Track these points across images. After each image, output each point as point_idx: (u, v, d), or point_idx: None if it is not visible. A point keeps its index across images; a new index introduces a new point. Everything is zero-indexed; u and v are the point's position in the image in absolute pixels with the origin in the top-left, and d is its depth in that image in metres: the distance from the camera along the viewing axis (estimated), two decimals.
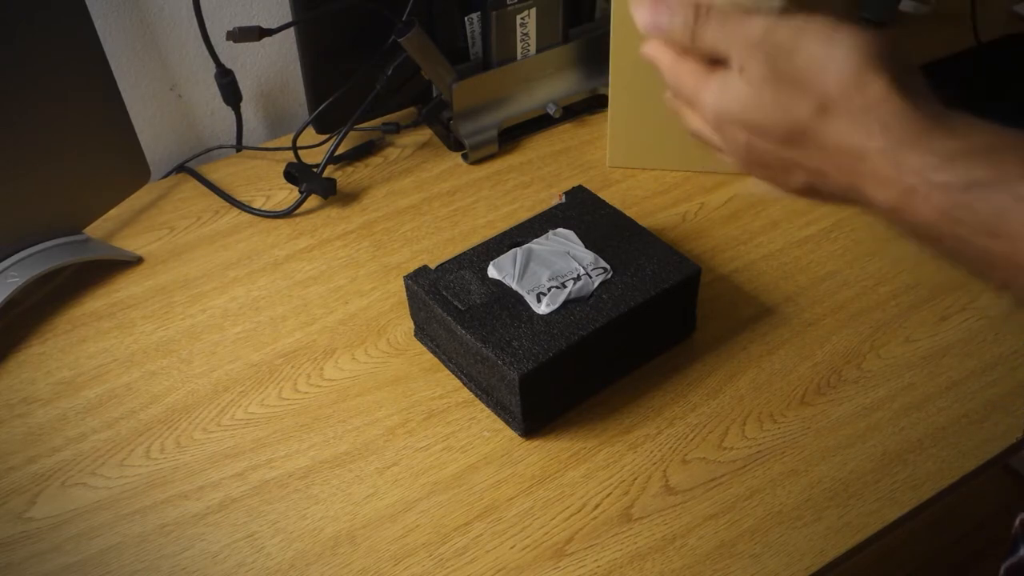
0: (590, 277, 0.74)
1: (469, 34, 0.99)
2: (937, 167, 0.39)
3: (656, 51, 0.47)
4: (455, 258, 0.78)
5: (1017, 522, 0.57)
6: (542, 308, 0.72)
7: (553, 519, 0.68)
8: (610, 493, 0.69)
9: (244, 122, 1.05)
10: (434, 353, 0.79)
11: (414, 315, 0.80)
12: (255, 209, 0.95)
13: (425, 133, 1.05)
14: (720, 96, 0.45)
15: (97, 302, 0.86)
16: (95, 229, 0.92)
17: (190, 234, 0.93)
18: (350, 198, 0.97)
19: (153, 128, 1.03)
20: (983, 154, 0.39)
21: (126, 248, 0.91)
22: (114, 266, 0.89)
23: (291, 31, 0.93)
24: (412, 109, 1.06)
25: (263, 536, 0.67)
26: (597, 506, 0.68)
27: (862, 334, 0.80)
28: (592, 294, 0.74)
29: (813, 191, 0.45)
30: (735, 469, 0.70)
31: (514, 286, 0.74)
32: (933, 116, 0.40)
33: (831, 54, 0.41)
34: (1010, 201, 0.37)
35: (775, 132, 0.43)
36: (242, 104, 1.03)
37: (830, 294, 0.84)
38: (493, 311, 0.73)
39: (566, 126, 1.05)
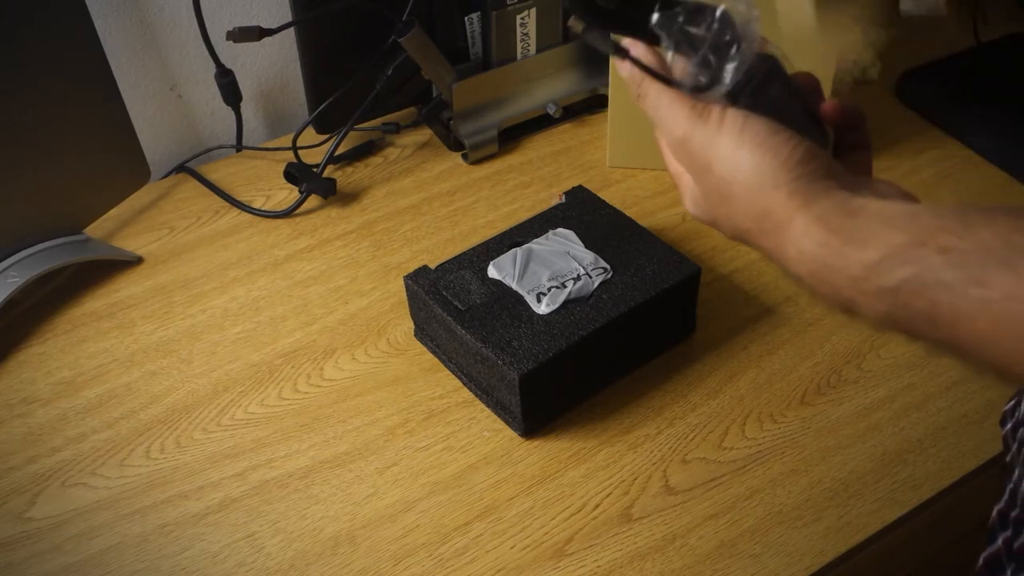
0: (590, 277, 0.74)
1: (469, 34, 0.99)
2: (863, 280, 0.40)
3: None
4: (455, 258, 0.78)
5: (994, 512, 0.58)
6: (542, 308, 0.72)
7: (553, 519, 0.68)
8: (610, 493, 0.69)
9: (244, 122, 1.05)
10: (434, 353, 0.79)
11: (414, 315, 0.80)
12: (255, 209, 0.95)
13: (425, 133, 1.05)
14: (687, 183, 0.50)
15: (97, 302, 0.86)
16: (95, 229, 0.92)
17: (190, 234, 0.93)
18: (350, 198, 0.97)
19: (153, 128, 1.03)
20: (902, 250, 0.39)
21: (126, 248, 0.91)
22: (114, 266, 0.89)
23: (291, 31, 0.93)
24: (412, 109, 1.06)
25: (263, 536, 0.67)
26: (597, 506, 0.68)
27: (862, 334, 0.80)
28: (592, 294, 0.74)
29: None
30: (735, 469, 0.70)
31: (514, 286, 0.74)
32: (844, 227, 0.42)
33: (739, 180, 0.45)
34: (938, 291, 0.38)
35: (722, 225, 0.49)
36: (242, 104, 1.03)
37: None
38: (493, 311, 0.73)
39: (566, 126, 1.05)
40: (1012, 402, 0.63)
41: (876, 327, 0.42)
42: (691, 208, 0.51)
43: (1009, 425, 0.62)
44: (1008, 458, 0.61)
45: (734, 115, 0.45)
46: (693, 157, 0.47)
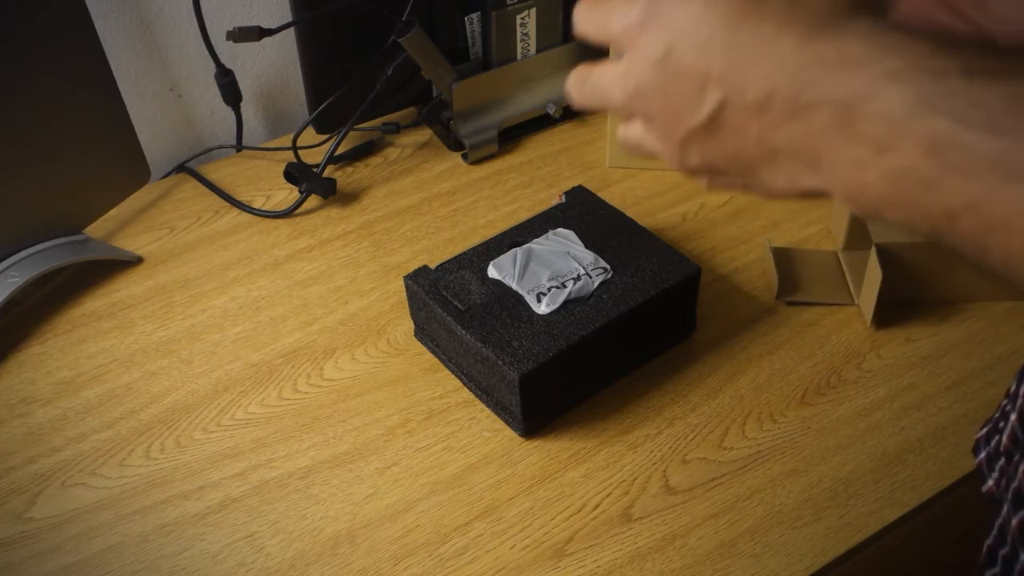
0: (590, 277, 0.74)
1: (469, 34, 0.99)
2: (928, 54, 0.30)
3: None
4: (455, 258, 0.78)
5: (984, 548, 0.58)
6: (542, 308, 0.72)
7: (553, 519, 0.68)
8: (610, 493, 0.69)
9: (244, 122, 1.05)
10: (434, 353, 0.79)
11: (414, 315, 0.80)
12: (255, 209, 0.95)
13: (425, 133, 1.05)
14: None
15: (97, 302, 0.86)
16: (95, 229, 0.92)
17: (190, 234, 0.93)
18: (350, 198, 0.97)
19: (153, 128, 1.03)
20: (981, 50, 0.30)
21: (126, 248, 0.91)
22: (114, 266, 0.89)
23: (291, 31, 0.93)
24: (412, 109, 1.06)
25: (263, 536, 0.67)
26: (597, 506, 0.68)
27: (862, 334, 0.80)
28: (592, 294, 0.74)
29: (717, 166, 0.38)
30: (735, 469, 0.70)
31: (514, 286, 0.74)
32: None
33: None
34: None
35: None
36: (242, 104, 1.03)
37: None
38: (493, 311, 0.73)
39: (566, 126, 1.05)
40: (984, 430, 0.63)
41: (881, 198, 0.33)
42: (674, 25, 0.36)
43: (984, 454, 0.61)
44: (985, 488, 0.60)
45: None
46: None
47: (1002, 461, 0.58)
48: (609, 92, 0.40)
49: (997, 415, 0.62)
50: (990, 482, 0.60)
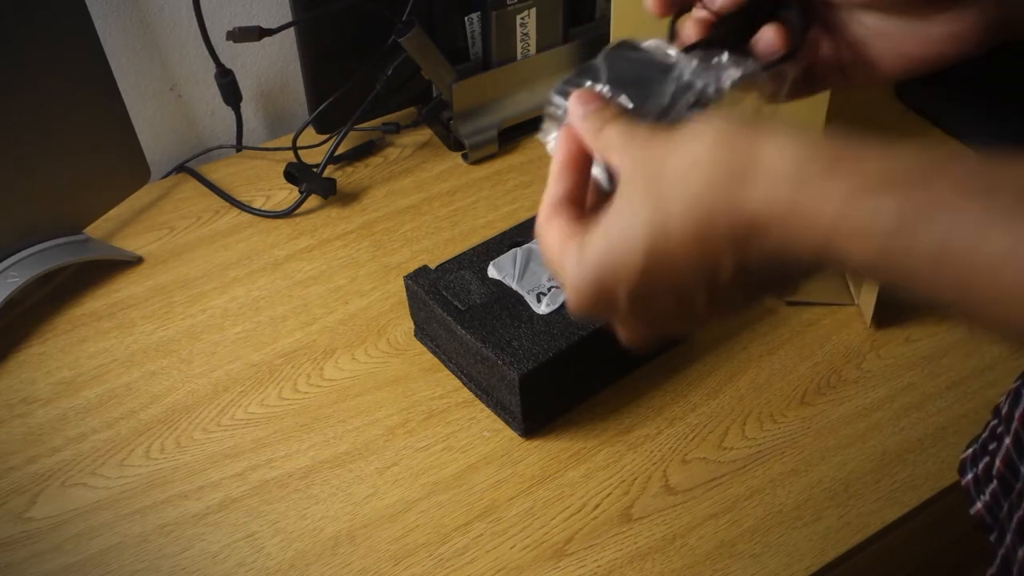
0: None
1: (469, 34, 0.99)
2: (862, 190, 0.33)
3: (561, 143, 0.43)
4: (455, 258, 0.78)
5: None
6: (542, 308, 0.72)
7: (553, 519, 0.68)
8: (610, 493, 0.69)
9: (244, 122, 1.05)
10: (434, 353, 0.79)
11: (414, 315, 0.80)
12: (255, 209, 0.95)
13: (425, 133, 1.05)
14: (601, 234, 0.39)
15: (97, 302, 0.86)
16: (95, 229, 0.92)
17: (190, 234, 0.93)
18: (350, 198, 0.97)
19: (153, 128, 1.03)
20: (904, 175, 0.32)
21: (126, 248, 0.91)
22: (114, 266, 0.89)
23: (291, 31, 0.93)
24: (412, 109, 1.06)
25: (263, 536, 0.67)
26: (597, 506, 0.68)
27: (862, 334, 0.80)
28: None
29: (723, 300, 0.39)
30: (735, 469, 0.70)
31: (514, 286, 0.74)
32: (830, 152, 0.34)
33: (688, 147, 0.37)
34: (953, 231, 0.31)
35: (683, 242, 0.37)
36: (242, 104, 1.03)
37: None
38: (493, 311, 0.73)
39: None
40: (970, 450, 0.62)
41: (856, 274, 0.37)
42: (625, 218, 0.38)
43: (971, 475, 0.61)
44: (973, 511, 0.60)
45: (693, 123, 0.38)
46: (644, 157, 0.38)
47: (994, 484, 0.58)
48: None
49: (985, 435, 0.61)
50: (979, 505, 0.59)
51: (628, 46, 0.44)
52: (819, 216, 0.33)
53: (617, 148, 0.39)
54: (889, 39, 0.45)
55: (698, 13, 0.45)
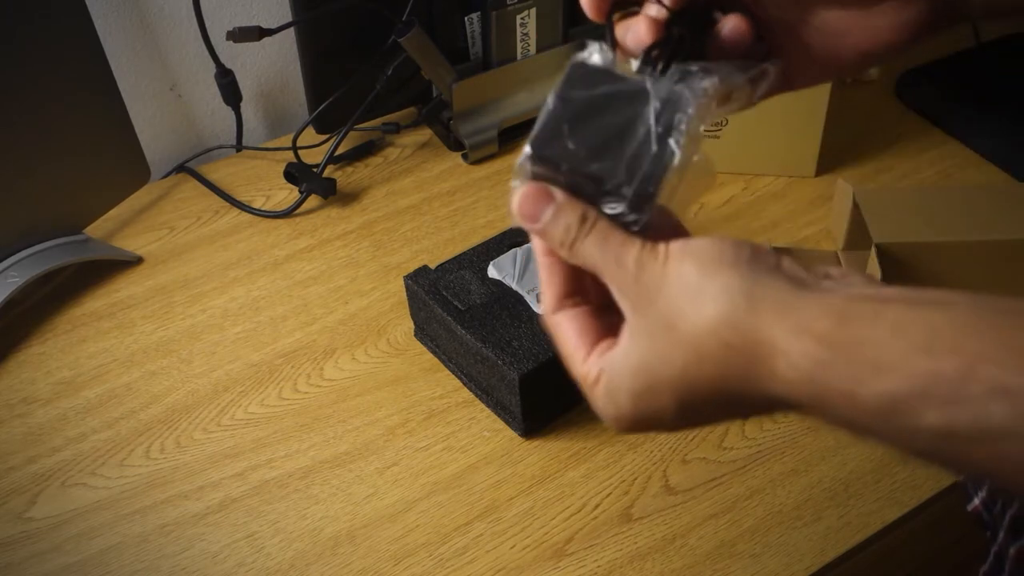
0: None
1: (469, 34, 0.99)
2: (889, 414, 0.33)
3: (540, 253, 0.42)
4: (455, 258, 0.78)
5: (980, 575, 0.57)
6: (542, 308, 0.72)
7: (553, 519, 0.68)
8: (610, 493, 0.69)
9: (244, 122, 1.05)
10: (434, 353, 0.79)
11: (414, 315, 0.80)
12: (255, 209, 0.95)
13: (425, 133, 1.05)
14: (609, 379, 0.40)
15: (97, 302, 0.86)
16: (95, 229, 0.92)
17: (190, 234, 0.93)
18: (350, 198, 0.97)
19: (153, 128, 1.03)
20: (939, 384, 0.32)
21: (126, 248, 0.91)
22: (114, 266, 0.89)
23: (291, 31, 0.93)
24: (412, 109, 1.06)
25: (263, 536, 0.67)
26: (597, 506, 0.68)
27: None
28: None
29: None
30: (735, 469, 0.70)
31: (514, 286, 0.74)
32: (843, 340, 0.34)
33: (687, 305, 0.36)
34: (1006, 443, 0.31)
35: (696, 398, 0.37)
36: (242, 104, 1.03)
37: None
38: (493, 311, 0.73)
39: None
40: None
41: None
42: (624, 377, 0.38)
43: (976, 501, 0.60)
44: (970, 507, 0.59)
45: (677, 243, 0.37)
46: (640, 292, 0.38)
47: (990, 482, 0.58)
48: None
49: None
50: (976, 501, 0.59)
51: (583, 73, 0.41)
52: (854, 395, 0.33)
53: (603, 271, 0.38)
54: (839, 34, 0.44)
55: (649, 9, 0.43)
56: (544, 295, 0.42)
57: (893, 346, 0.33)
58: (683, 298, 0.36)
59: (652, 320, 0.37)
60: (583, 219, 0.39)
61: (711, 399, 0.37)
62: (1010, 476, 0.32)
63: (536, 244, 0.41)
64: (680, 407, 0.37)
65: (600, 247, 0.38)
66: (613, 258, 0.38)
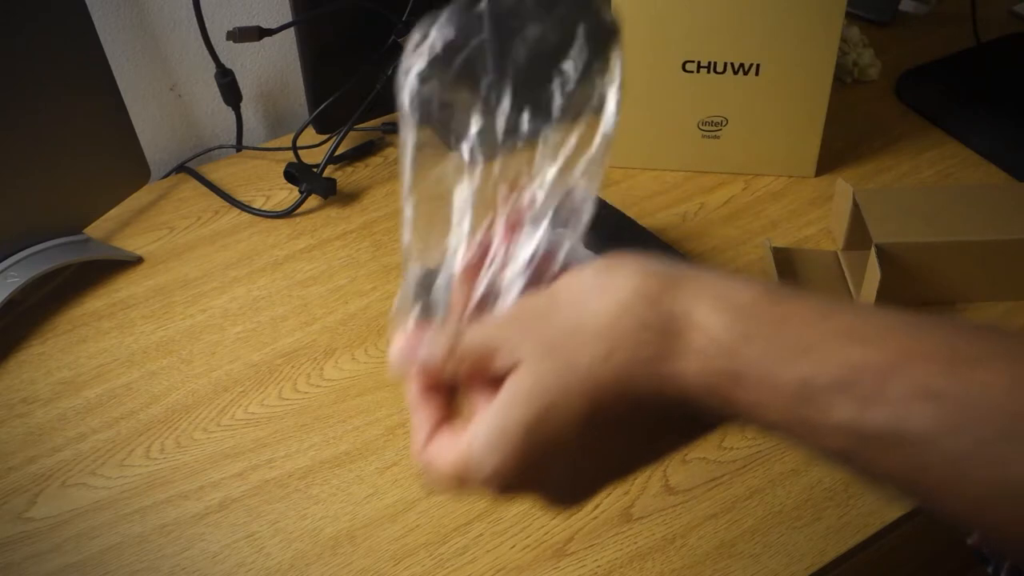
0: None
1: None
2: (806, 403, 0.30)
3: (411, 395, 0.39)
4: None
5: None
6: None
7: (553, 519, 0.68)
8: (610, 493, 0.69)
9: (244, 122, 1.05)
10: None
11: None
12: (255, 209, 0.95)
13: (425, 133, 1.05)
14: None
15: (97, 302, 0.86)
16: (95, 229, 0.92)
17: (190, 234, 0.93)
18: (350, 198, 0.97)
19: (153, 128, 1.03)
20: (868, 378, 0.29)
21: (126, 248, 0.91)
22: (114, 266, 0.89)
23: (291, 31, 0.93)
24: None
25: (263, 536, 0.67)
26: (597, 506, 0.68)
27: None
28: None
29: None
30: (735, 469, 0.70)
31: None
32: (770, 317, 0.31)
33: (594, 306, 0.33)
34: (927, 451, 0.28)
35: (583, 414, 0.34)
36: (242, 104, 1.03)
37: None
38: None
39: None
40: None
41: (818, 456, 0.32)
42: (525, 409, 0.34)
43: (977, 534, 0.60)
44: (970, 541, 0.59)
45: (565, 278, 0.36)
46: (529, 323, 0.35)
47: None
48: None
49: None
50: (976, 536, 0.58)
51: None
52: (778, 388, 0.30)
53: (492, 340, 0.36)
54: None
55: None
56: (415, 432, 0.39)
57: (817, 327, 0.30)
58: (586, 296, 0.34)
59: (553, 334, 0.34)
60: (458, 320, 0.38)
61: (616, 412, 0.33)
62: (930, 492, 0.29)
63: (411, 390, 0.39)
64: (581, 430, 0.33)
65: (481, 325, 0.37)
66: (494, 322, 0.36)
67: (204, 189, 0.98)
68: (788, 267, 0.85)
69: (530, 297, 0.36)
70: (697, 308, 0.32)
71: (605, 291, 0.33)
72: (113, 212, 0.93)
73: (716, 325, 0.31)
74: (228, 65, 1.00)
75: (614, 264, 0.34)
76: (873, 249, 0.78)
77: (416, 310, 0.39)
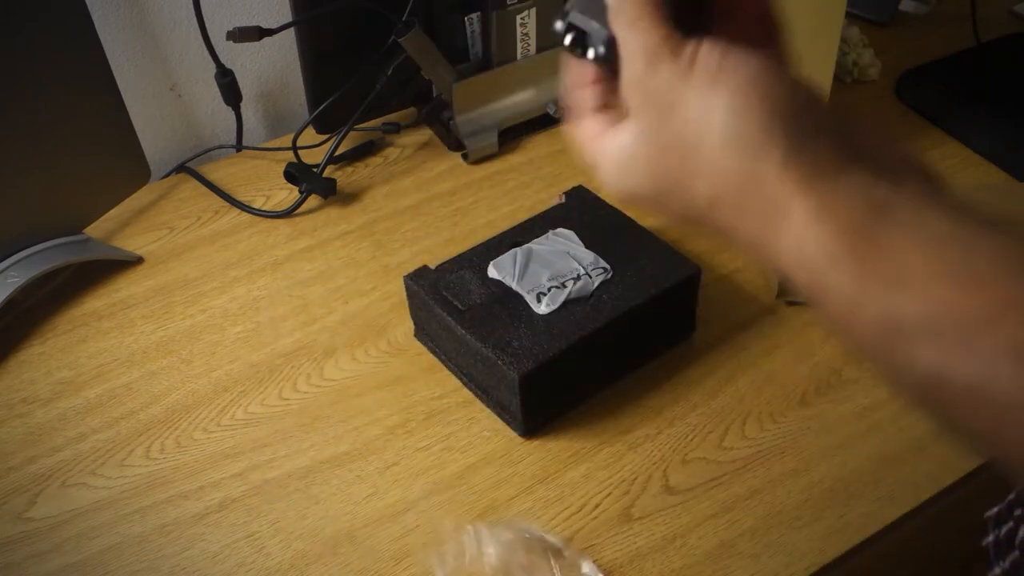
0: (590, 277, 0.74)
1: (469, 34, 0.99)
2: (892, 334, 0.29)
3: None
4: (455, 258, 0.78)
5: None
6: (542, 308, 0.72)
7: (553, 519, 0.68)
8: (610, 493, 0.69)
9: (244, 122, 1.05)
10: (434, 353, 0.79)
11: (414, 315, 0.80)
12: (255, 209, 0.95)
13: (425, 133, 1.05)
14: (604, 154, 0.40)
15: (97, 302, 0.86)
16: (95, 229, 0.92)
17: (190, 234, 0.93)
18: (350, 198, 0.97)
19: (153, 128, 1.03)
20: (959, 325, 0.28)
21: (126, 248, 0.91)
22: (114, 266, 0.89)
23: (291, 31, 0.93)
24: (412, 109, 1.06)
25: (263, 536, 0.67)
26: (597, 506, 0.68)
27: None
28: (592, 294, 0.74)
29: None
30: (735, 469, 0.70)
31: (514, 286, 0.74)
32: (866, 241, 0.30)
33: (712, 130, 0.34)
34: (1010, 412, 0.27)
35: (665, 202, 0.38)
36: (242, 104, 1.03)
37: None
38: (493, 311, 0.73)
39: (566, 126, 1.05)
40: (996, 509, 0.60)
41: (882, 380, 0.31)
42: (619, 176, 0.39)
43: (992, 537, 0.59)
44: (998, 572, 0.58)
45: (710, 47, 0.35)
46: (651, 97, 0.36)
47: (1016, 555, 0.56)
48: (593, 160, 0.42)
49: (1012, 497, 0.59)
50: (997, 571, 0.57)
51: None
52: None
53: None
54: None
55: None
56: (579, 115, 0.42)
57: (917, 258, 0.28)
58: (702, 113, 0.34)
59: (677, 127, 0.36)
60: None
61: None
62: (1009, 452, 0.28)
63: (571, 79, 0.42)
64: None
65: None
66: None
67: (204, 189, 0.98)
68: None
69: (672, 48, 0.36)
70: (798, 210, 0.31)
71: (721, 131, 0.34)
72: (113, 212, 0.93)
73: (811, 237, 0.30)
74: (228, 65, 1.00)
75: (752, 102, 0.34)
76: None
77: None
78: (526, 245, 0.78)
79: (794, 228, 0.31)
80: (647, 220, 0.88)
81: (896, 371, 0.30)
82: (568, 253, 0.77)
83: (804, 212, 0.31)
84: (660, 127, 0.36)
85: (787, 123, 0.32)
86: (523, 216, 0.84)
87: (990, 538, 0.60)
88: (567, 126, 0.43)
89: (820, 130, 0.32)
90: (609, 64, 0.40)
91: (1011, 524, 0.58)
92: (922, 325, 0.28)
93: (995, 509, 0.61)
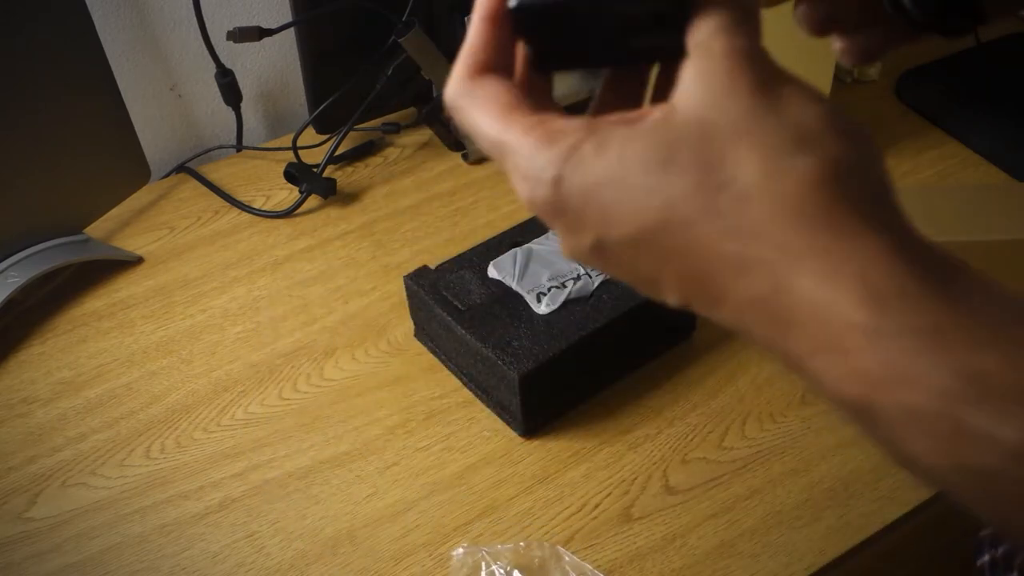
0: (590, 277, 0.74)
1: None
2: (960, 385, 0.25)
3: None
4: (455, 258, 0.78)
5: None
6: (542, 308, 0.72)
7: (553, 519, 0.68)
8: (610, 493, 0.69)
9: (244, 122, 1.05)
10: (434, 353, 0.79)
11: (414, 315, 0.80)
12: (255, 209, 0.95)
13: (425, 133, 1.05)
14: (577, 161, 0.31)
15: (97, 302, 0.86)
16: (95, 229, 0.92)
17: (190, 234, 0.93)
18: (350, 198, 0.97)
19: (153, 128, 1.03)
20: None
21: (126, 248, 0.91)
22: (114, 266, 0.89)
23: (291, 31, 0.93)
24: (412, 109, 1.06)
25: (263, 536, 0.67)
26: (597, 506, 0.68)
27: None
28: (592, 294, 0.74)
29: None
30: (735, 469, 0.70)
31: (514, 286, 0.74)
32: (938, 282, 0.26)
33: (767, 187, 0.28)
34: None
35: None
36: (242, 104, 1.03)
37: None
38: (493, 311, 0.73)
39: None
40: (989, 529, 0.60)
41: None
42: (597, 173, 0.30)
43: (987, 557, 0.59)
44: (979, 563, 0.58)
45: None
46: (682, 124, 0.30)
47: None
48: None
49: None
50: (986, 557, 0.57)
51: None
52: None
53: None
54: None
55: None
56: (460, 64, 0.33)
57: (971, 337, 0.25)
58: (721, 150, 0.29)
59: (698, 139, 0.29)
60: None
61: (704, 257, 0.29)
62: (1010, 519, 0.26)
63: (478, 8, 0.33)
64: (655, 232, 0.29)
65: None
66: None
67: (204, 189, 0.98)
68: None
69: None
70: (821, 288, 0.26)
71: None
72: (113, 212, 0.93)
73: (842, 315, 0.26)
74: (228, 65, 1.00)
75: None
76: None
77: None
78: (526, 245, 0.78)
79: (815, 327, 0.27)
80: None
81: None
82: None
83: (828, 296, 0.27)
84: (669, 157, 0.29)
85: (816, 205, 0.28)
86: (523, 216, 0.84)
87: (984, 558, 0.59)
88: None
89: (858, 200, 0.28)
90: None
91: (1008, 547, 0.57)
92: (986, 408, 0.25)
93: (988, 529, 0.61)
